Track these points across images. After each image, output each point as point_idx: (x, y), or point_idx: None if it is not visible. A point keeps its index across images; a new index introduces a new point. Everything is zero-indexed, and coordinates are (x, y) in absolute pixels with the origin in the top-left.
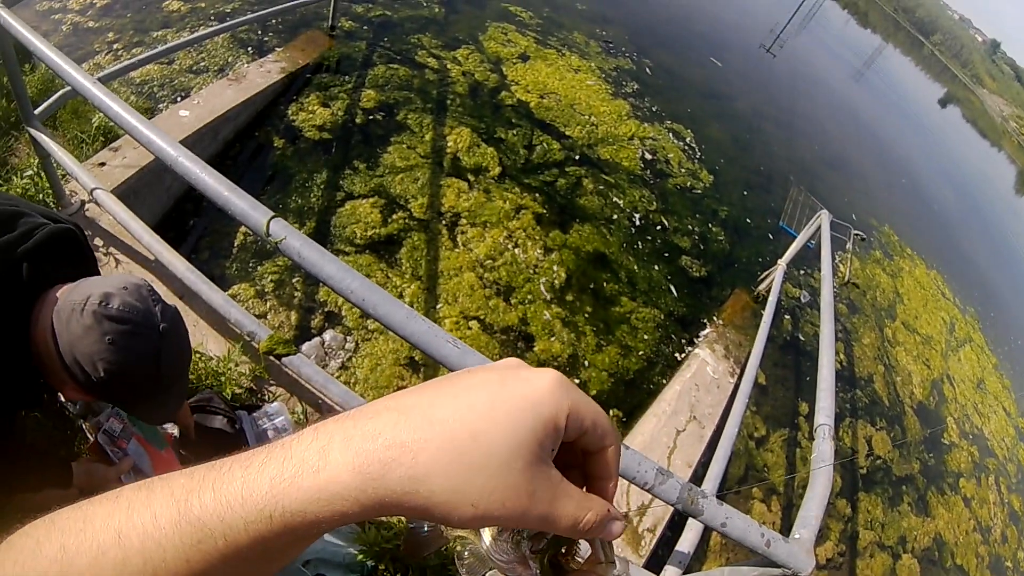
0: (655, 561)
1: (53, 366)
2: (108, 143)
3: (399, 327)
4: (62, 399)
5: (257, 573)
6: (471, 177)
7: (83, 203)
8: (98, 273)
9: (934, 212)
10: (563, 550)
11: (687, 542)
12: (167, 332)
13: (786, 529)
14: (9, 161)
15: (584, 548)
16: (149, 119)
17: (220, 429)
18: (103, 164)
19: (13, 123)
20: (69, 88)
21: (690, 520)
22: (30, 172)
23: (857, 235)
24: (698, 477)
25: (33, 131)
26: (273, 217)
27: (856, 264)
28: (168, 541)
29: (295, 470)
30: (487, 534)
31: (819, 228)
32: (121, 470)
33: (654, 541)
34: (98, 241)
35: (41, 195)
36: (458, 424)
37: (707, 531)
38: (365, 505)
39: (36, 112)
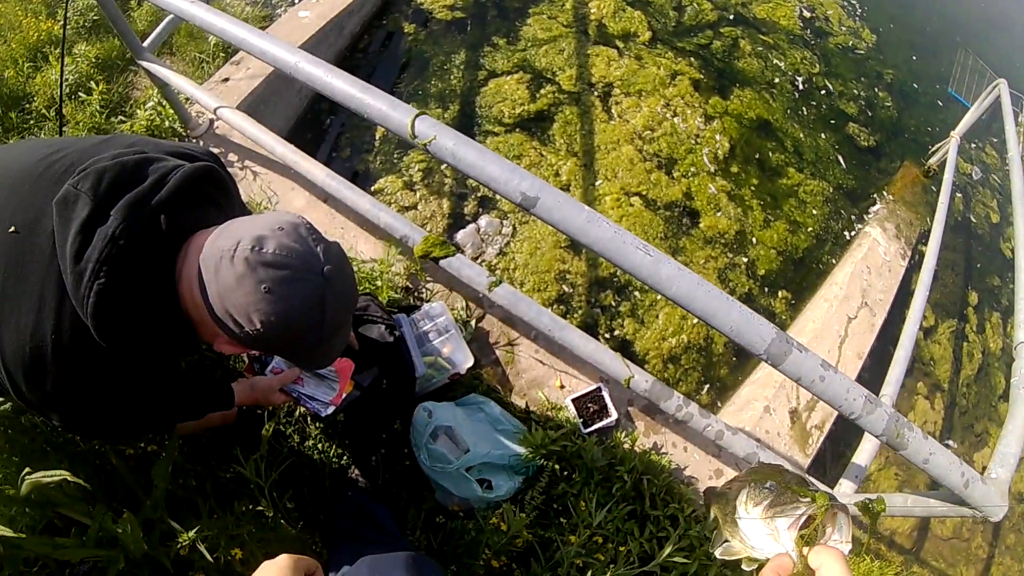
0: (819, 459)
1: (203, 319)
2: (229, 58)
3: (579, 233)
4: None
5: None
6: (620, 44)
7: (211, 122)
8: (243, 208)
9: None
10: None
11: (865, 454)
12: (331, 275)
13: (948, 430)
14: (132, 96)
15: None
16: (266, 26)
17: (377, 340)
18: (226, 80)
19: (129, 59)
20: (172, 15)
21: None
22: (152, 103)
23: None
24: (866, 368)
25: (145, 64)
26: (419, 115)
27: None
28: None
29: None
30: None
31: (996, 98)
32: (286, 379)
33: (821, 438)
34: (232, 156)
35: (167, 122)
36: None
37: None
38: None
39: (146, 44)
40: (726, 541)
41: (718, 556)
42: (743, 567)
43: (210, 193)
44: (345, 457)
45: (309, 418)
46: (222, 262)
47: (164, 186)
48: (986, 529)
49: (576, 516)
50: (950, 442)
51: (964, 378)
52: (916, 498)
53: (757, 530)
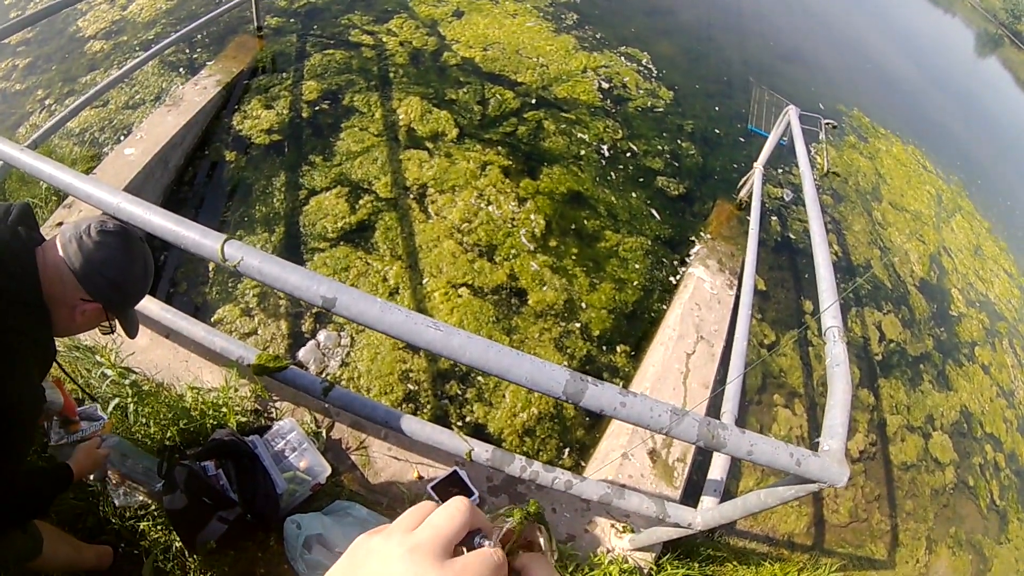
0: (691, 490)
1: (64, 292)
2: (62, 201)
3: (375, 322)
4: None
5: None
6: (430, 145)
7: None
8: None
9: (899, 88)
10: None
11: (718, 468)
12: (145, 242)
13: (815, 429)
14: None
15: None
16: (95, 166)
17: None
18: (60, 224)
19: None
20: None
21: None
22: None
23: (828, 123)
24: (717, 396)
25: None
26: (227, 240)
27: (832, 153)
28: None
29: None
30: None
31: (789, 123)
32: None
33: (686, 470)
34: None
35: None
36: None
37: None
38: None
39: None
40: None
41: None
42: None
43: (35, 222)
44: None
45: (185, 552)
46: (81, 239)
47: (11, 213)
48: (882, 504)
49: None
50: (820, 440)
51: (818, 378)
52: (768, 491)
53: None
